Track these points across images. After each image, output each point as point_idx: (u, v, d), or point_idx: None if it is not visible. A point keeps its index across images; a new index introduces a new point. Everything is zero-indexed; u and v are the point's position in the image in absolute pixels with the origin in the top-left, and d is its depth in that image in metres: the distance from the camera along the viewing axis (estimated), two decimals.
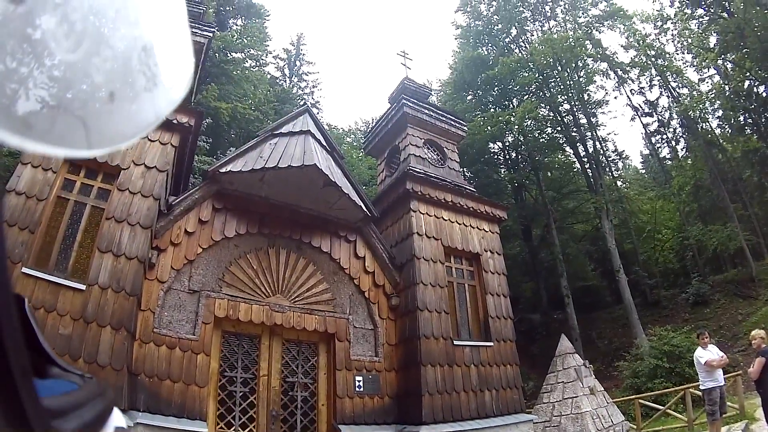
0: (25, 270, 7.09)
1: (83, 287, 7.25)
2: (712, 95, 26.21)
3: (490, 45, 33.24)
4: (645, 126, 31.08)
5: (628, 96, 30.43)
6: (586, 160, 26.32)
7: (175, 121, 8.51)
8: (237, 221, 8.99)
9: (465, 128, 13.90)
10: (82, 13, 0.42)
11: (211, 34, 11.28)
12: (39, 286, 7.08)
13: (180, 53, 0.60)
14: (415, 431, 8.62)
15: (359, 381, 8.96)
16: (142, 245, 7.73)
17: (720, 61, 25.03)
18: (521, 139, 26.38)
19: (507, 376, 10.03)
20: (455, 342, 9.53)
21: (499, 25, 32.55)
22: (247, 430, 8.49)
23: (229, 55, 28.60)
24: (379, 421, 9.10)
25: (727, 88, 24.99)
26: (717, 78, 26.80)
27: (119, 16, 0.47)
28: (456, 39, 35.62)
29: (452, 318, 9.84)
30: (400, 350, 9.50)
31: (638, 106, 30.68)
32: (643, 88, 30.44)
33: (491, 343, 9.98)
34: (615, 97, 28.73)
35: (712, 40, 25.72)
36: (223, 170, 8.74)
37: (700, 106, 26.45)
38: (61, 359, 0.75)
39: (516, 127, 25.21)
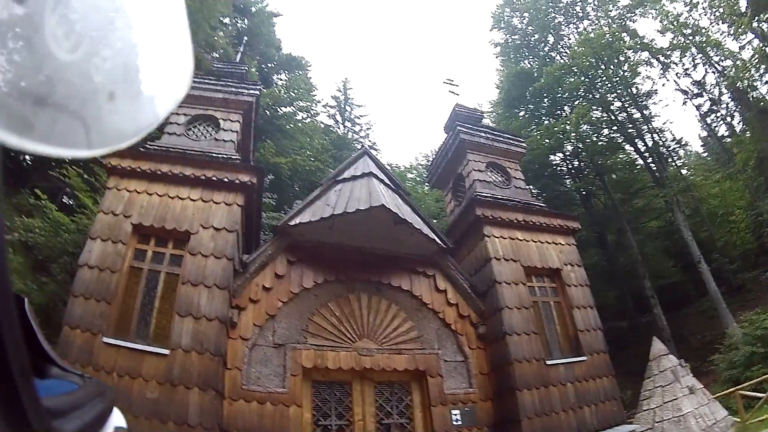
0: (105, 340, 7.28)
1: (167, 352, 7.37)
2: (756, 60, 24.91)
3: (531, 57, 32.92)
4: (697, 108, 29.72)
5: (674, 81, 29.28)
6: (647, 155, 25.41)
7: (237, 181, 8.68)
8: (313, 271, 8.99)
9: (523, 145, 13.64)
10: (82, 14, 0.41)
11: (257, 92, 11.46)
12: (121, 354, 7.26)
13: (179, 53, 0.58)
14: None
15: (456, 415, 8.68)
16: (221, 305, 7.81)
17: (755, 24, 23.86)
18: (580, 146, 25.84)
19: (604, 389, 9.59)
20: (548, 362, 9.18)
21: (536, 36, 32.26)
22: None
23: (279, 110, 29.13)
24: None
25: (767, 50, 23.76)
26: (756, 42, 25.50)
27: (119, 17, 0.47)
28: (497, 57, 35.38)
29: (541, 338, 9.51)
30: (493, 378, 9.21)
31: (686, 89, 29.43)
32: (687, 69, 29.14)
33: (584, 358, 9.58)
34: (663, 85, 27.73)
35: (742, 3, 24.64)
36: (292, 223, 8.83)
37: (747, 74, 25.13)
38: (64, 361, 0.75)
39: (572, 134, 24.73)
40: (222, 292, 7.87)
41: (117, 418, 0.79)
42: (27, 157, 24.21)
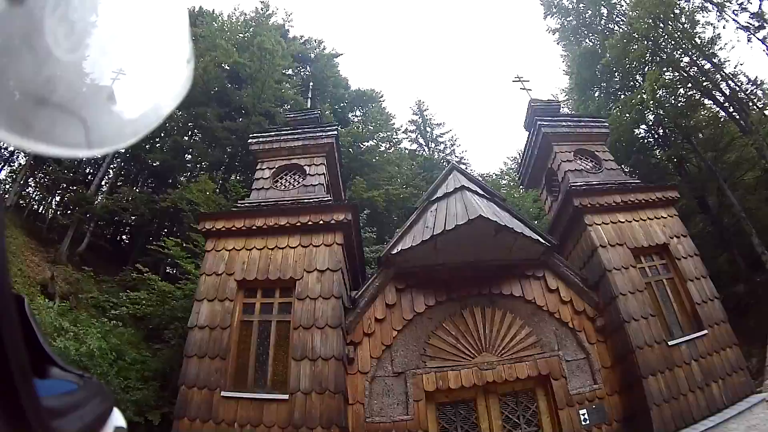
0: (224, 394, 7.62)
1: (286, 397, 7.59)
2: None
3: (591, 35, 31.60)
4: (763, 41, 27.67)
5: (733, 20, 27.40)
6: (727, 105, 23.89)
7: (333, 221, 8.91)
8: (423, 294, 9.05)
9: (606, 124, 13.19)
10: (82, 14, 0.41)
11: (335, 132, 11.75)
12: (241, 405, 7.56)
13: (179, 53, 0.58)
14: None
15: (584, 414, 8.44)
16: (336, 344, 7.98)
17: None
18: (661, 112, 24.58)
19: (729, 361, 9.04)
20: (669, 343, 8.78)
21: (589, 11, 31.03)
22: None
23: (361, 146, 29.61)
24: None
25: None
26: None
27: (119, 18, 0.47)
28: (558, 43, 34.18)
29: (660, 319, 9.10)
30: (617, 370, 8.90)
31: (747, 24, 27.48)
32: (741, 3, 27.22)
33: (705, 332, 9.10)
34: (723, 27, 25.85)
35: None
36: (394, 251, 8.96)
37: None
38: (64, 361, 0.75)
39: (651, 102, 23.51)
40: (335, 330, 8.05)
41: (117, 418, 0.78)
42: (124, 237, 26.03)
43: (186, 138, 25.47)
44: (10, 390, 0.46)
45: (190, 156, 26.71)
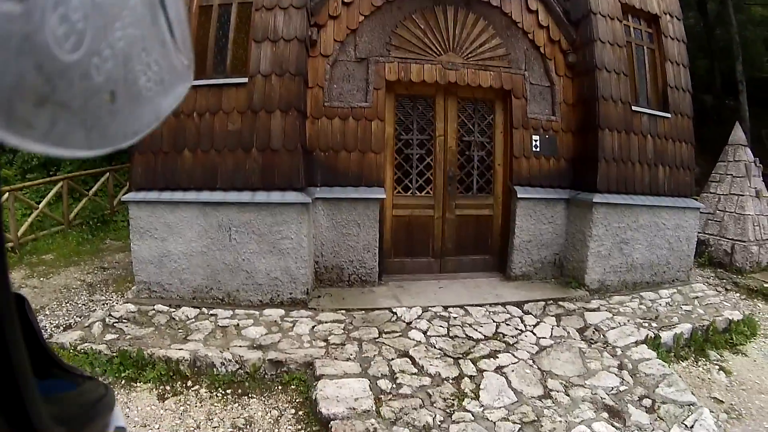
0: None
1: (245, 80, 7.24)
2: None
3: None
4: None
5: None
6: None
7: None
8: None
9: None
10: (82, 13, 0.40)
11: None
12: (200, 94, 7.18)
13: (180, 52, 0.60)
14: (589, 198, 8.21)
15: (536, 141, 8.52)
16: (299, 25, 7.44)
17: None
18: None
19: (681, 155, 9.17)
20: (633, 108, 8.71)
21: None
22: (424, 192, 8.54)
23: None
24: (554, 184, 8.77)
25: None
26: None
27: (120, 16, 0.46)
28: None
29: (631, 82, 8.93)
30: (577, 112, 8.83)
31: None
32: None
33: (669, 115, 9.04)
34: None
35: None
36: None
37: None
38: (64, 361, 0.74)
39: None
40: (299, 11, 7.46)
41: (117, 418, 0.76)
42: None
43: None
44: (11, 390, 0.46)
45: None
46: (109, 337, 6.06)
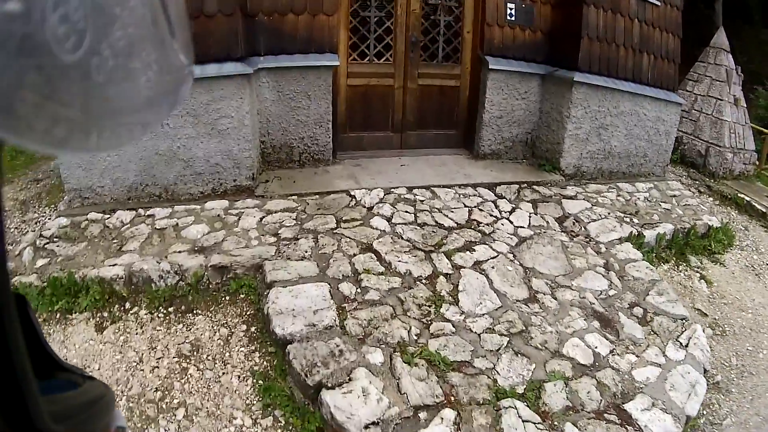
0: None
1: None
2: None
3: None
4: None
5: None
6: None
7: None
8: None
9: None
10: (83, 13, 0.39)
11: None
12: None
13: (180, 52, 0.58)
14: (569, 76, 7.32)
15: (511, 8, 7.44)
16: None
17: None
18: None
19: (667, 46, 8.34)
20: None
21: None
22: (383, 59, 7.45)
23: None
24: (529, 57, 7.78)
25: None
26: None
27: (120, 16, 0.44)
28: None
29: None
30: None
31: None
32: None
33: (658, 3, 8.09)
34: None
35: None
36: None
37: None
38: (65, 361, 0.73)
39: None
40: None
41: (118, 418, 0.74)
42: None
43: None
44: (11, 390, 0.46)
45: None
46: (40, 263, 4.96)
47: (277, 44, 6.56)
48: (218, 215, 5.69)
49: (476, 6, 7.51)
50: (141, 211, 5.80)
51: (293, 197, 6.06)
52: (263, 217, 5.63)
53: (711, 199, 9.01)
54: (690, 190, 8.78)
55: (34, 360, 0.51)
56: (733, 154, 10.30)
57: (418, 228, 5.57)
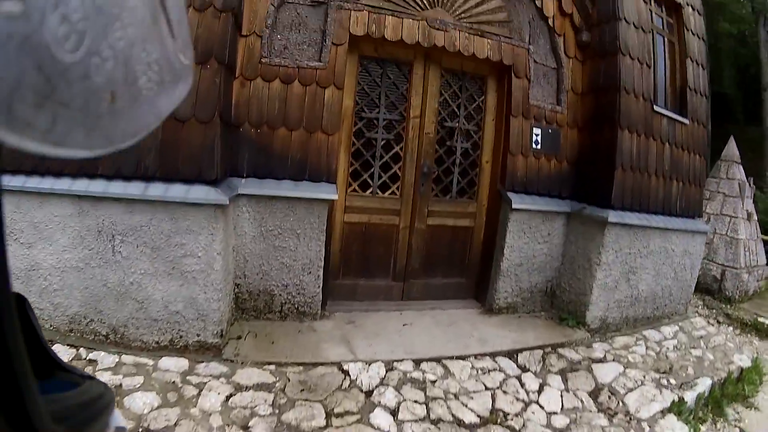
0: None
1: None
2: None
3: None
4: None
5: None
6: None
7: None
8: None
9: None
10: (83, 13, 0.39)
11: None
12: None
13: (181, 53, 0.58)
14: (601, 215, 6.34)
15: (537, 134, 6.52)
16: None
17: None
18: None
19: (695, 168, 7.59)
20: (655, 107, 6.94)
21: None
22: (389, 192, 6.39)
23: None
24: (554, 192, 6.81)
25: None
26: None
27: (120, 16, 0.44)
28: None
29: (651, 76, 7.12)
30: (588, 102, 6.92)
31: None
32: None
33: (687, 121, 7.40)
34: None
35: None
36: None
37: None
38: (65, 361, 0.72)
39: None
40: None
41: (118, 419, 0.73)
42: None
43: None
44: (11, 390, 0.45)
45: None
46: None
47: (263, 165, 5.45)
48: (174, 381, 4.38)
49: (497, 130, 6.58)
50: (82, 351, 4.58)
51: (270, 367, 4.78)
52: (231, 394, 4.32)
53: (731, 328, 8.19)
54: (709, 322, 8.10)
55: (33, 360, 0.49)
56: (749, 273, 9.68)
57: (433, 427, 4.39)
